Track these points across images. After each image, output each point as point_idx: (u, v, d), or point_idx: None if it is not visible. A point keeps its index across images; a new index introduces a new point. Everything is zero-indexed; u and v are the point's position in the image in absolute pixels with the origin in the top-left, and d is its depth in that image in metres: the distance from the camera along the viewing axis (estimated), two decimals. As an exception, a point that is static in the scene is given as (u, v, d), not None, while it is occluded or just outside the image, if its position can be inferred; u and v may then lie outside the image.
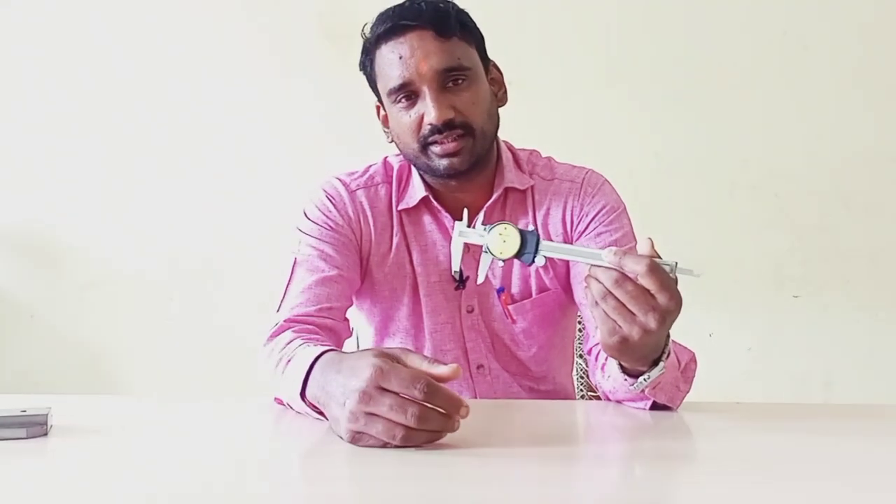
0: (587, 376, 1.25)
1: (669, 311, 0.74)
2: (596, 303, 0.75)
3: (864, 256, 2.13)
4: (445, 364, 0.70)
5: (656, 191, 2.12)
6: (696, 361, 0.91)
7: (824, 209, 2.14)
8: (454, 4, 1.02)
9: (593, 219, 1.06)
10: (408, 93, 0.99)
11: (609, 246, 1.00)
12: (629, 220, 1.08)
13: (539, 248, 0.79)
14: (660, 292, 0.73)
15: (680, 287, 0.75)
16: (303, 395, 0.79)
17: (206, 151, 2.25)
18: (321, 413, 0.78)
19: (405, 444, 0.68)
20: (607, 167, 1.13)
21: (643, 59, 2.16)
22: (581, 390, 1.27)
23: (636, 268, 0.73)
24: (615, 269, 0.74)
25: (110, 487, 0.63)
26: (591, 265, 0.76)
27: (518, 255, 0.79)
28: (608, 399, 0.94)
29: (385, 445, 0.68)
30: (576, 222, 1.07)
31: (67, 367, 2.26)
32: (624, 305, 0.74)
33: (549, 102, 2.09)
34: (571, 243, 1.05)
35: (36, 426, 0.75)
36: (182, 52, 2.24)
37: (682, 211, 2.14)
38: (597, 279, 0.75)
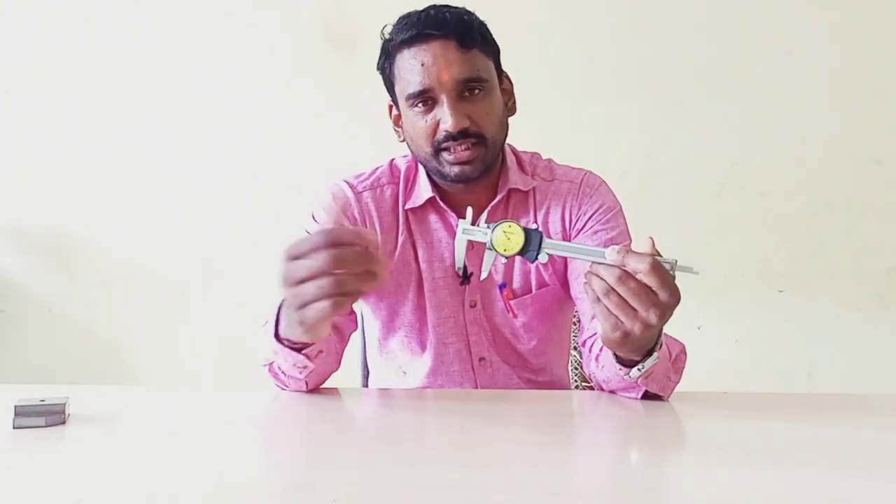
0: (581, 367, 1.26)
1: (669, 306, 0.75)
2: (598, 299, 0.76)
3: (847, 253, 2.15)
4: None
5: (647, 190, 2.14)
6: (686, 353, 0.94)
7: (809, 208, 2.16)
8: (476, 17, 1.04)
9: (591, 217, 1.08)
10: (426, 99, 1.00)
11: (605, 243, 1.04)
12: (625, 219, 1.10)
13: (542, 246, 0.79)
14: (661, 289, 0.74)
15: (670, 282, 0.76)
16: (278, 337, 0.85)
17: (214, 152, 2.27)
18: (297, 350, 0.85)
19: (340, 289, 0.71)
20: (599, 167, 1.15)
21: (634, 62, 2.17)
22: (575, 381, 1.29)
23: (639, 265, 0.74)
24: (617, 267, 0.75)
25: (126, 473, 0.66)
26: (592, 262, 0.77)
27: (522, 252, 0.79)
28: (602, 389, 0.96)
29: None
30: (574, 221, 1.09)
31: (84, 358, 2.29)
32: (626, 302, 0.75)
33: (541, 103, 2.10)
34: (570, 241, 1.06)
35: (54, 415, 0.77)
36: (190, 55, 2.26)
37: (672, 209, 2.16)
38: (598, 276, 0.76)
